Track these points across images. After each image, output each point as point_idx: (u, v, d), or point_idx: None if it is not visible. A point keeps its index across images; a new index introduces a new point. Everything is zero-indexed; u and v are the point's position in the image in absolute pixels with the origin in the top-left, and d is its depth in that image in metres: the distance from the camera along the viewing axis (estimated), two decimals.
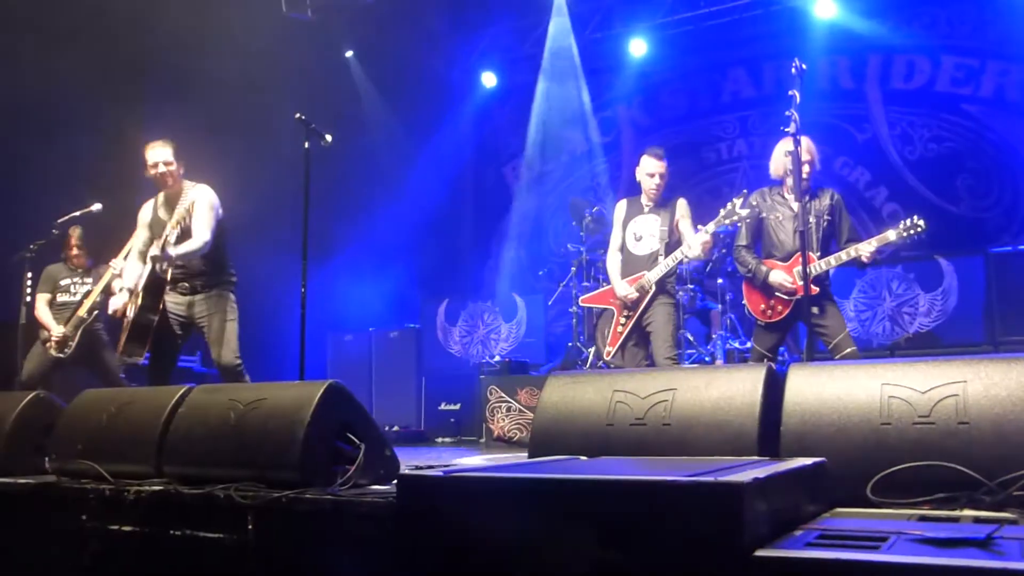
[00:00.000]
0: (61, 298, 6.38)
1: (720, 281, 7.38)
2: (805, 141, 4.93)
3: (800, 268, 4.80)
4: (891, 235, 4.88)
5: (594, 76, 10.16)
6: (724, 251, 7.53)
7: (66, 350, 6.20)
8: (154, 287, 4.97)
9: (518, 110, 10.64)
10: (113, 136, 8.21)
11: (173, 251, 4.90)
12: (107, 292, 6.21)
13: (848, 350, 4.86)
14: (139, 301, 4.94)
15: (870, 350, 7.25)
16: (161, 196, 5.25)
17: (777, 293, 5.10)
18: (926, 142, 8.50)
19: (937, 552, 1.60)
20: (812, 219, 4.97)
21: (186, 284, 5.15)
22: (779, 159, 5.16)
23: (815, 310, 4.82)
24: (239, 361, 5.09)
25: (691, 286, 7.39)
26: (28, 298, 6.18)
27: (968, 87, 8.35)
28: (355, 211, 9.42)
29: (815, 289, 4.79)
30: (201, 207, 5.07)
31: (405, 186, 9.75)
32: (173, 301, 5.14)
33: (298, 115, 4.85)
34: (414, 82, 10.24)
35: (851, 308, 7.44)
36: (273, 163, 8.11)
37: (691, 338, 7.36)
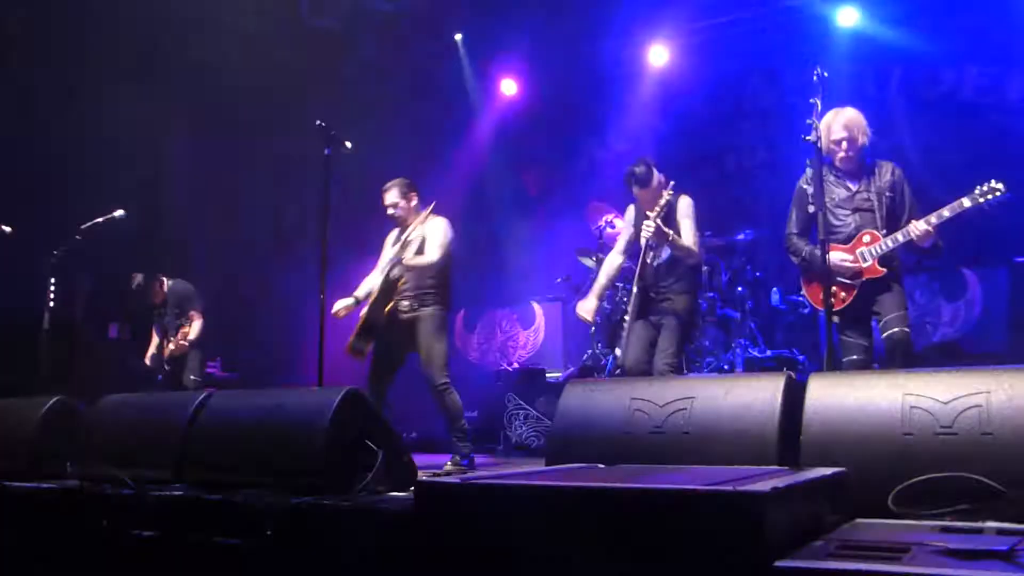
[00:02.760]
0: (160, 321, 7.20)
1: (740, 289, 7.34)
2: (847, 114, 4.67)
3: (864, 249, 4.56)
4: (965, 201, 4.43)
5: (614, 84, 10.16)
6: (744, 258, 7.49)
7: (165, 367, 7.01)
8: (387, 288, 5.34)
9: (538, 117, 10.65)
10: (139, 142, 8.31)
11: (407, 260, 5.34)
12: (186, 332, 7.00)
13: (895, 330, 4.47)
14: (372, 298, 5.34)
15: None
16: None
17: (838, 278, 4.61)
18: (951, 151, 8.42)
19: (959, 564, 1.59)
20: (873, 196, 4.64)
21: (412, 302, 5.43)
22: (824, 134, 4.64)
23: (874, 292, 4.55)
24: (443, 380, 5.33)
25: (710, 293, 7.36)
26: (52, 303, 6.24)
27: (993, 95, 8.27)
28: (374, 218, 9.45)
29: (881, 270, 4.53)
30: (435, 233, 5.46)
31: (424, 193, 9.76)
32: (401, 315, 5.43)
33: (319, 122, 4.88)
34: (434, 89, 10.27)
35: (908, 310, 7.37)
36: (294, 170, 8.16)
37: (710, 346, 7.32)
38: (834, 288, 4.56)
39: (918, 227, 4.44)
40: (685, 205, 5.20)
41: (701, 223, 5.38)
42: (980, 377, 2.47)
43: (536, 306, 9.29)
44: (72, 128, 7.78)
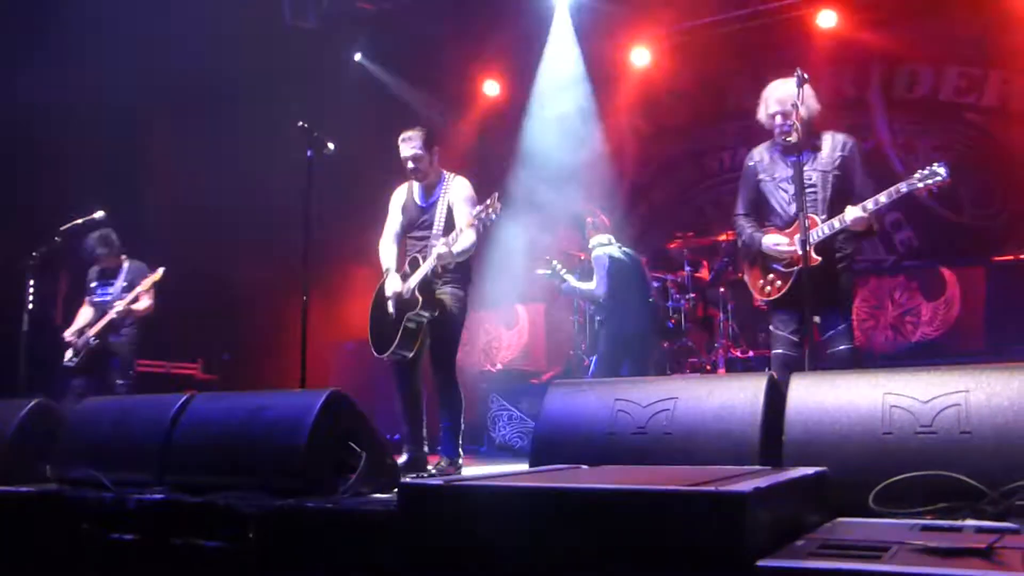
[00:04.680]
0: (93, 299, 6.51)
1: (722, 290, 7.38)
2: (783, 86, 4.35)
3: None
4: (902, 186, 4.05)
5: (597, 85, 10.18)
6: (726, 259, 7.53)
7: (73, 360, 6.34)
8: (430, 286, 4.76)
9: (520, 118, 10.65)
10: (118, 142, 8.24)
11: (456, 249, 4.65)
12: (134, 300, 6.39)
13: (840, 347, 4.16)
14: (420, 302, 4.68)
15: (872, 359, 7.25)
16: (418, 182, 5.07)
17: (773, 265, 4.35)
18: (929, 151, 8.49)
19: (939, 562, 1.60)
20: (817, 175, 4.25)
21: (437, 280, 4.82)
22: (762, 108, 4.45)
23: (818, 289, 4.10)
24: (454, 365, 4.85)
25: (692, 294, 7.39)
26: (31, 306, 6.18)
27: (971, 96, 8.35)
28: (357, 220, 9.42)
29: (816, 259, 4.12)
30: (466, 204, 4.85)
31: None
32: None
33: (300, 123, 4.85)
34: (416, 90, 10.26)
35: (853, 317, 7.43)
36: (276, 171, 8.12)
37: (693, 347, 7.35)
38: (770, 275, 4.37)
39: (852, 213, 4.12)
40: (593, 261, 6.75)
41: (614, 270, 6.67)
42: (959, 376, 2.49)
43: (519, 307, 9.29)
44: (50, 127, 7.71)
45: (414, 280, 4.72)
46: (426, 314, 4.72)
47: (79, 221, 6.43)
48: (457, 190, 4.93)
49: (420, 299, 4.68)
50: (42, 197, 7.56)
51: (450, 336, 4.84)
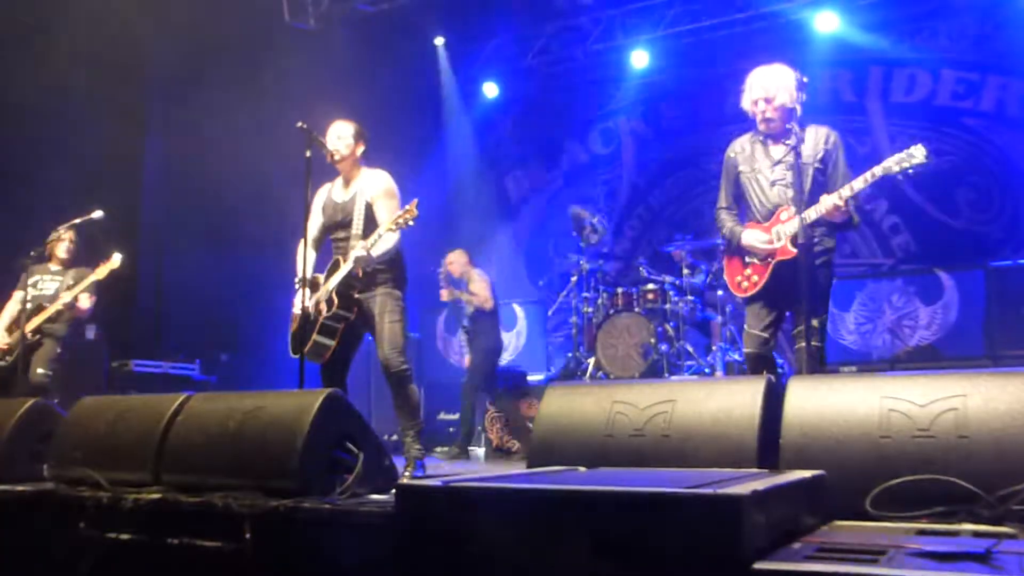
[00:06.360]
0: (30, 292, 6.27)
1: (720, 293, 7.38)
2: (767, 71, 4.31)
3: (779, 227, 4.13)
4: (876, 170, 3.96)
5: (596, 87, 10.19)
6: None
7: (6, 359, 6.17)
8: (349, 288, 4.67)
9: (519, 120, 10.66)
10: (115, 143, 8.24)
11: (376, 252, 4.57)
12: (72, 300, 6.20)
13: (811, 344, 3.88)
14: (336, 303, 4.61)
15: (870, 363, 7.25)
16: (340, 180, 4.98)
17: (750, 259, 4.26)
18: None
19: (936, 566, 1.60)
20: (797, 167, 4.10)
21: (364, 279, 4.73)
22: (745, 95, 4.39)
23: (790, 279, 4.02)
24: (403, 362, 4.66)
25: (691, 297, 7.38)
26: (28, 304, 6.18)
27: (968, 101, 8.36)
28: None
29: (792, 252, 4.03)
30: (384, 198, 4.77)
31: (405, 195, 9.74)
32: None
33: (300, 124, 4.85)
34: (416, 92, 10.26)
35: (851, 321, 7.44)
36: (276, 171, 8.13)
37: (691, 349, 7.34)
38: (747, 270, 4.28)
39: (828, 201, 4.00)
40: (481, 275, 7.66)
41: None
42: (957, 380, 2.49)
43: (517, 308, 9.29)
44: (49, 128, 7.71)
45: (332, 283, 4.66)
46: (343, 316, 4.66)
47: (77, 220, 6.42)
48: (375, 184, 4.83)
49: (336, 301, 4.62)
50: (41, 198, 7.56)
51: (392, 336, 4.67)
